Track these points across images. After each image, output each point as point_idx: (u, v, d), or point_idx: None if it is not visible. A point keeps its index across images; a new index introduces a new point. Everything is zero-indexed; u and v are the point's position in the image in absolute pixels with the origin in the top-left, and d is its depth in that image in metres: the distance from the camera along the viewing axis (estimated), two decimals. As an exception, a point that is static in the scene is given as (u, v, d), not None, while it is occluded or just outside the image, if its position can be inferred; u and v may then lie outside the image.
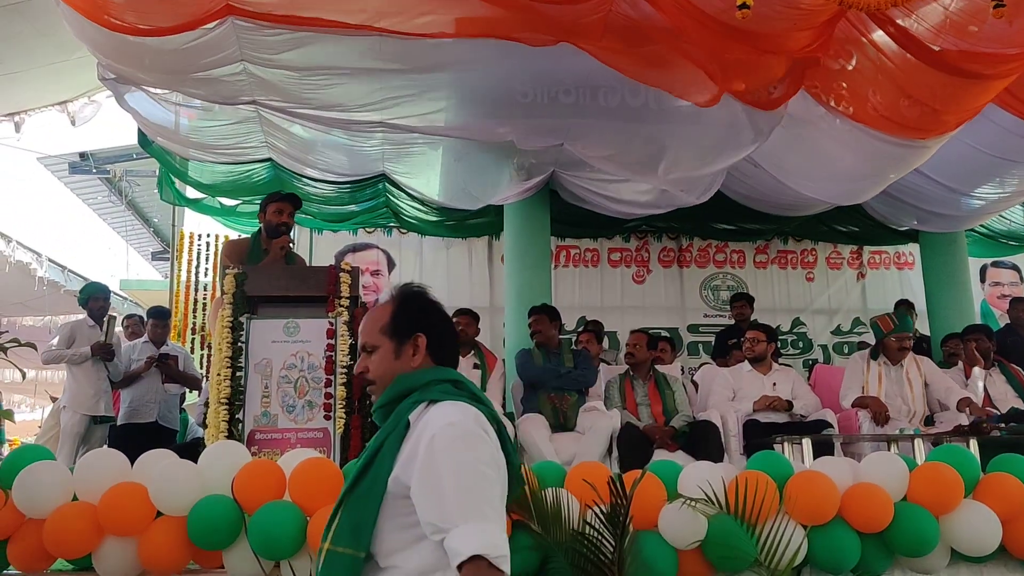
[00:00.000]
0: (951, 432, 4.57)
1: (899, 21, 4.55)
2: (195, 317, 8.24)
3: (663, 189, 6.21)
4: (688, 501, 3.01)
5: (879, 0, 3.53)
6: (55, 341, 5.69)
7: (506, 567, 1.46)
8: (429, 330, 1.72)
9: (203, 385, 7.37)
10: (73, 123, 7.14)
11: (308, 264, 6.89)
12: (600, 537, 2.91)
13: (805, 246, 8.77)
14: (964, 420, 4.70)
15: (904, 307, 7.23)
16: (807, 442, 4.28)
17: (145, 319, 6.61)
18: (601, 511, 2.95)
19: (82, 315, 5.93)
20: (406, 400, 1.65)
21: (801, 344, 8.51)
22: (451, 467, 1.49)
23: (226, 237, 7.81)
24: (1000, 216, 7.82)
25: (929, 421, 5.18)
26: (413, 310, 1.75)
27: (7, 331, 3.88)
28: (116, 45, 4.61)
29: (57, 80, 6.28)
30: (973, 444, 4.24)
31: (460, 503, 1.47)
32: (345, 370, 4.06)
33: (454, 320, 5.41)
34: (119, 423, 5.87)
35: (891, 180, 5.96)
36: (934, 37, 4.60)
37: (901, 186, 6.59)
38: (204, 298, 8.20)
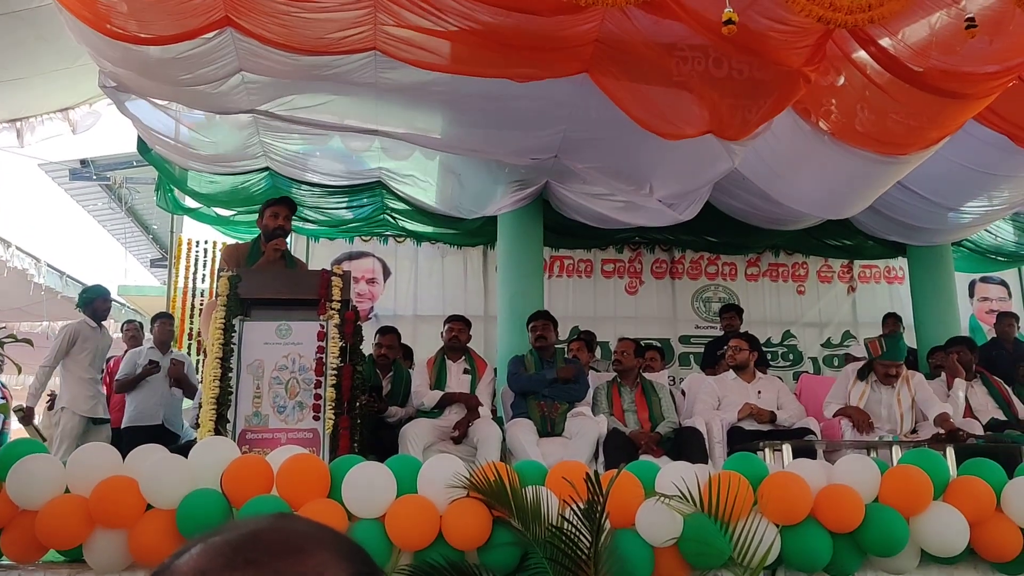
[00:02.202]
0: (929, 440, 4.66)
1: (881, 41, 4.67)
2: (192, 323, 8.33)
3: (651, 204, 6.33)
4: (663, 498, 3.09)
5: (855, 18, 3.63)
6: (55, 345, 5.70)
7: None
8: None
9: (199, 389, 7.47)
10: (74, 131, 7.25)
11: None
12: (577, 533, 2.99)
13: (796, 259, 8.88)
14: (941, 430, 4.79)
15: (892, 320, 7.32)
16: (787, 448, 4.36)
17: (150, 324, 6.73)
18: (578, 508, 3.03)
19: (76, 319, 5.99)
20: None
21: (791, 356, 8.60)
22: None
23: (223, 243, 7.91)
24: (987, 231, 7.94)
25: (912, 432, 5.26)
26: None
27: (4, 327, 3.96)
28: (118, 53, 4.73)
29: (59, 87, 6.39)
30: (950, 451, 4.32)
31: None
32: (335, 372, 4.15)
33: (447, 326, 5.58)
34: (124, 426, 5.97)
35: (876, 195, 6.06)
36: (916, 57, 4.70)
37: (889, 201, 6.70)
38: (201, 304, 8.30)
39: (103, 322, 6.04)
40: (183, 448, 5.59)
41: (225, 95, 5.32)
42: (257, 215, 5.06)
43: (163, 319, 6.56)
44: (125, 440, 5.67)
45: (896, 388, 5.25)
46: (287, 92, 5.34)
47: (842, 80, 5.33)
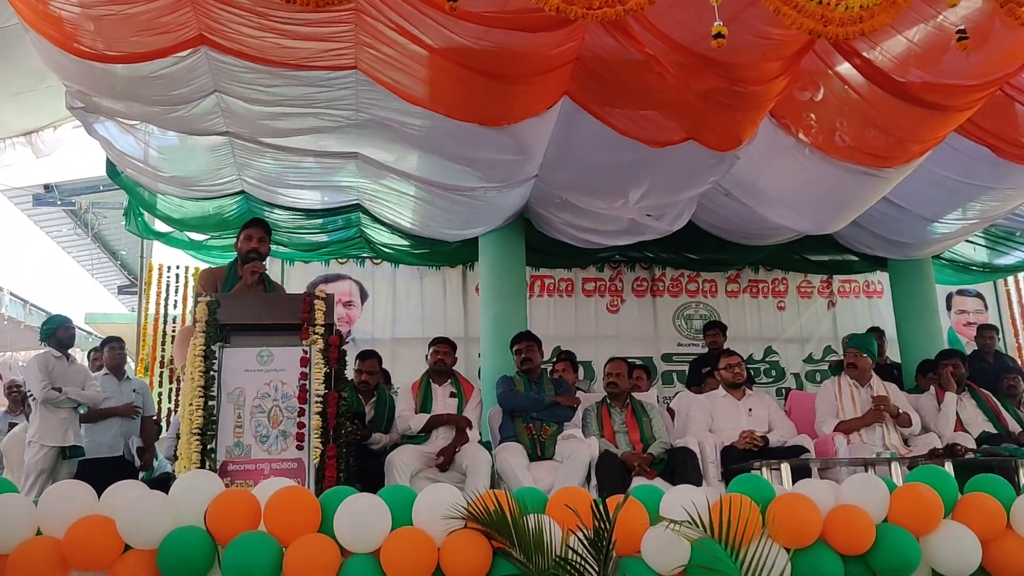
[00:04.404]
0: (926, 455, 4.60)
1: (864, 53, 4.66)
2: (163, 351, 8.10)
3: (634, 218, 6.26)
4: (671, 524, 2.97)
5: (847, 31, 3.58)
6: (38, 380, 5.44)
7: None
8: None
9: (173, 419, 7.23)
10: (37, 155, 7.02)
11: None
12: (583, 563, 2.86)
13: (776, 275, 8.86)
14: (938, 443, 4.74)
15: (876, 334, 7.30)
16: (786, 467, 4.27)
17: (99, 348, 6.49)
18: (584, 536, 2.91)
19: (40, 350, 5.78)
20: None
21: (774, 372, 8.56)
22: None
23: (196, 269, 7.70)
24: (966, 243, 7.97)
25: (905, 446, 5.21)
26: None
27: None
28: (86, 72, 4.56)
29: (23, 110, 6.19)
30: (948, 466, 4.26)
31: None
32: (320, 399, 3.99)
33: (432, 349, 5.43)
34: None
35: (861, 210, 6.05)
36: (898, 68, 4.70)
37: (869, 215, 6.70)
38: (173, 331, 8.06)
39: (70, 350, 5.82)
40: (158, 481, 5.38)
41: (199, 116, 5.16)
42: (234, 239, 4.91)
43: (113, 343, 6.34)
44: (83, 473, 5.40)
45: (873, 388, 5.31)
46: (264, 118, 5.18)
47: (821, 94, 5.32)
